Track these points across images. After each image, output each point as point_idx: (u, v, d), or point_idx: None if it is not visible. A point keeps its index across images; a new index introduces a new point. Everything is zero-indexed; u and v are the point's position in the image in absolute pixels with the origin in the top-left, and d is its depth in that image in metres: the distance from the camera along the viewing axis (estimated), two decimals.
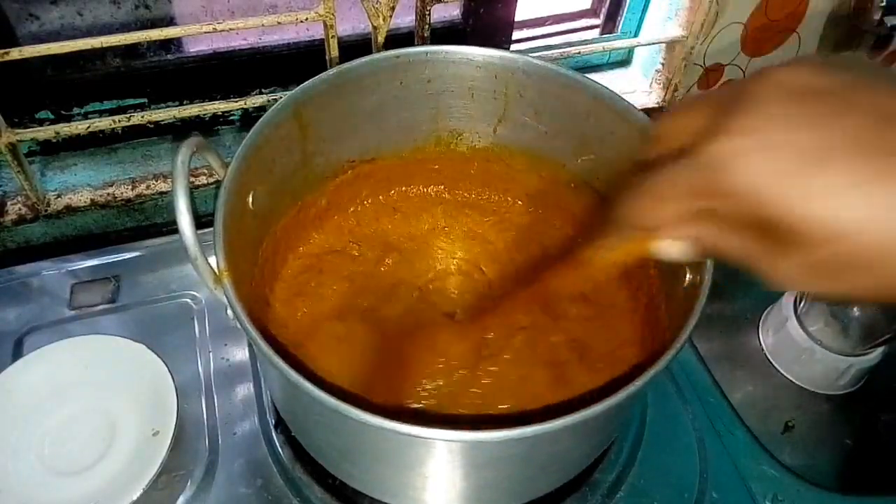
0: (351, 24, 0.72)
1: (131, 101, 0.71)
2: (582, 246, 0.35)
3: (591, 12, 0.86)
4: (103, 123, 0.64)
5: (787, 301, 0.69)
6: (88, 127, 0.63)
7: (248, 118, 0.76)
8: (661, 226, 0.29)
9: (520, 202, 0.66)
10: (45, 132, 0.63)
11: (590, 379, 0.54)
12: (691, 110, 0.29)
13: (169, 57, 0.70)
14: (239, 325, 0.40)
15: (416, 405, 0.51)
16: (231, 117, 0.76)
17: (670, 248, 0.30)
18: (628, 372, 0.52)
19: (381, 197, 0.65)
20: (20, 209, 0.68)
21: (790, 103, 0.25)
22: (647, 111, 0.70)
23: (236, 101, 0.67)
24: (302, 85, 0.52)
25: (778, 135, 0.25)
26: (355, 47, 0.63)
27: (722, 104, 0.27)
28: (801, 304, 0.68)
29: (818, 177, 0.24)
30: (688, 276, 0.47)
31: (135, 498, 0.51)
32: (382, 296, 0.59)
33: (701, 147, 0.26)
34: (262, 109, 0.65)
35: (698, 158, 0.26)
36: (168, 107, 0.69)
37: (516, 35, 0.80)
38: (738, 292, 0.75)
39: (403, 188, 0.66)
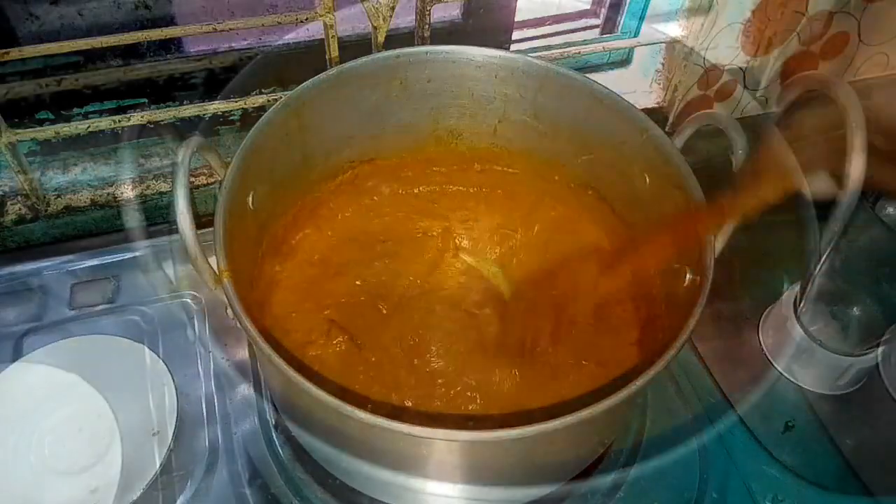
0: (351, 24, 0.72)
1: (131, 101, 0.71)
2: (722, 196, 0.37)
3: (591, 12, 0.86)
4: (103, 123, 0.64)
5: (787, 301, 0.69)
6: (88, 127, 0.63)
7: (248, 118, 0.75)
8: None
9: (519, 202, 0.66)
10: (45, 132, 0.63)
11: (589, 379, 0.54)
12: None
13: (169, 57, 0.70)
14: (239, 325, 0.40)
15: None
16: (231, 117, 0.76)
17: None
18: (628, 372, 0.52)
19: (380, 197, 0.65)
20: (20, 209, 0.68)
21: None
22: (647, 111, 0.70)
23: (236, 101, 0.67)
24: (302, 85, 0.52)
25: None
26: (355, 47, 0.63)
27: None
28: (801, 304, 0.67)
29: None
30: (688, 276, 0.47)
31: (135, 498, 0.51)
32: (382, 295, 0.59)
33: None
34: (262, 109, 0.65)
35: None
36: (168, 107, 0.69)
37: (516, 35, 0.80)
38: (738, 292, 0.75)
39: (403, 188, 0.66)
